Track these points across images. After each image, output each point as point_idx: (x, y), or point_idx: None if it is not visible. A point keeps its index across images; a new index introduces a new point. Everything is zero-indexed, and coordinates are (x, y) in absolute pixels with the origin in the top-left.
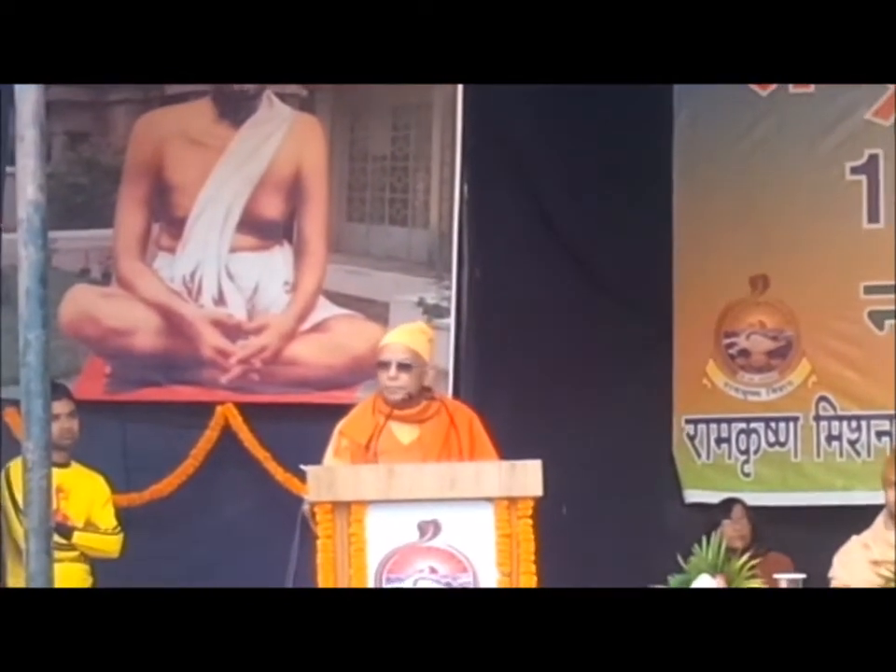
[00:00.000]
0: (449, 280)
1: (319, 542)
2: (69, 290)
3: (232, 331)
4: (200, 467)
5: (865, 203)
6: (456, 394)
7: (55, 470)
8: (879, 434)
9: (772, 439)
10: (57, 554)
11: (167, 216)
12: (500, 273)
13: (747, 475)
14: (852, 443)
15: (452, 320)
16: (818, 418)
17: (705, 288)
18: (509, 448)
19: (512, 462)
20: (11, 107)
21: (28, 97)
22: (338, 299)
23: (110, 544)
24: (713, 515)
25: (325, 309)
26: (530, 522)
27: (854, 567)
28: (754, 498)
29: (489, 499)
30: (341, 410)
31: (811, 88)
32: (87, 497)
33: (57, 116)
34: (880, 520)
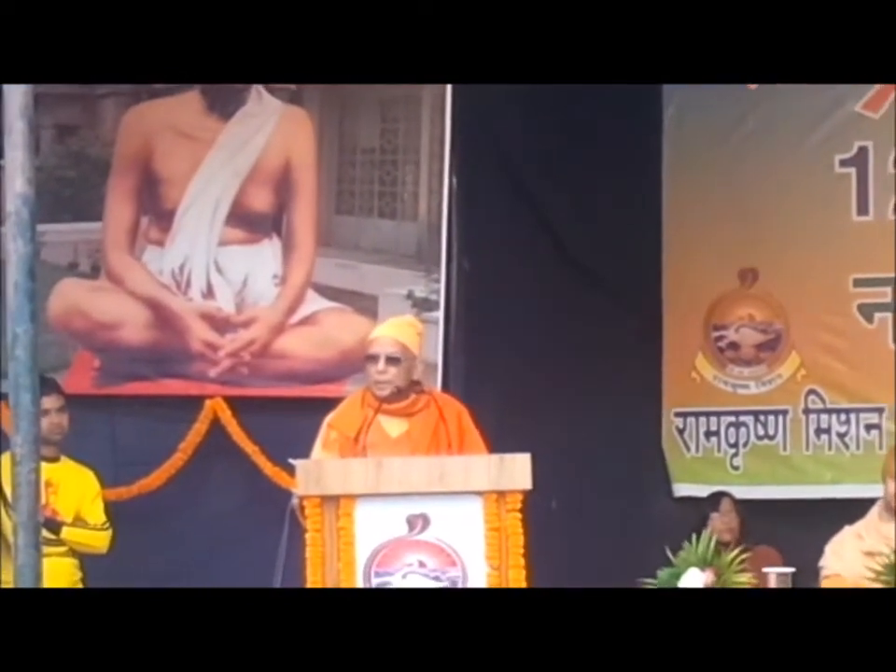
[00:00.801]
0: (438, 273)
1: (308, 536)
2: (58, 284)
3: (221, 325)
4: (189, 460)
5: (854, 195)
6: (445, 387)
7: (44, 465)
8: (868, 427)
9: (761, 432)
10: (46, 549)
11: (156, 209)
12: (489, 267)
13: (736, 468)
14: (841, 436)
15: (441, 313)
16: (807, 411)
17: (694, 282)
18: (497, 441)
19: (501, 455)
20: (0, 100)
21: (17, 90)
22: (327, 292)
23: (99, 540)
24: (702, 509)
25: (314, 302)
26: (519, 515)
27: (846, 556)
28: (743, 492)
29: (478, 493)
30: (329, 403)
31: None
32: (76, 492)
33: (46, 109)
34: (875, 511)
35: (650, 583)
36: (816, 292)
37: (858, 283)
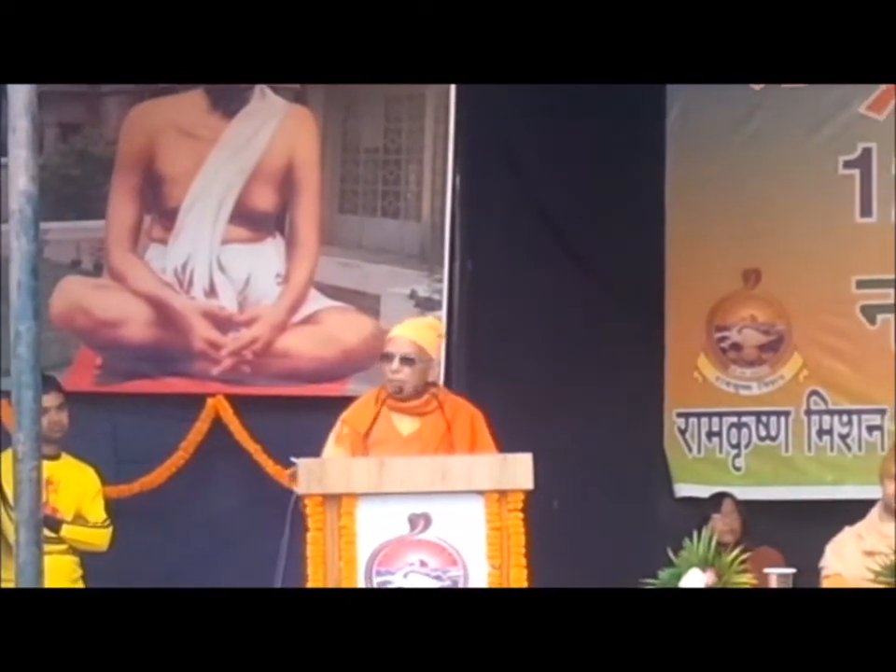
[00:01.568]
0: (441, 272)
1: (309, 535)
2: (60, 282)
3: (224, 323)
4: (190, 459)
5: (858, 197)
6: (448, 386)
7: (45, 463)
8: (870, 428)
9: (763, 433)
10: (46, 547)
11: (159, 207)
12: (492, 266)
13: (738, 469)
14: (843, 438)
15: (444, 313)
16: (809, 412)
17: (697, 282)
18: (500, 441)
19: (503, 455)
20: (3, 98)
21: (20, 88)
22: (329, 291)
23: (99, 538)
24: (703, 509)
25: (316, 301)
26: (521, 515)
27: (846, 557)
28: (745, 492)
29: (480, 492)
30: (331, 402)
31: None
32: (77, 490)
33: (49, 107)
34: (875, 511)
35: (651, 583)
36: (818, 293)
37: (860, 284)
